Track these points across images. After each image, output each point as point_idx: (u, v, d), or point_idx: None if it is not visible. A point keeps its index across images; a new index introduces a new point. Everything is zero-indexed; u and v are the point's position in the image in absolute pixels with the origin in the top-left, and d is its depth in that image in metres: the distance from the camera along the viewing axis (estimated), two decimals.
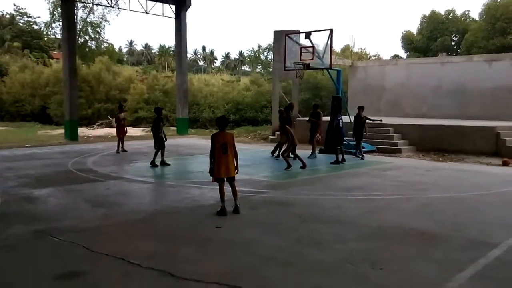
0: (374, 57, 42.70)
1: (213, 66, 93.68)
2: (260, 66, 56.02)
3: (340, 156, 12.75)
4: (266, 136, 21.12)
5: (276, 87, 21.61)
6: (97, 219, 6.66)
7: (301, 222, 6.43)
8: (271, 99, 23.25)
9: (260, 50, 59.84)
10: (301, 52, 15.85)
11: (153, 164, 11.65)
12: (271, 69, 32.02)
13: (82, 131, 21.88)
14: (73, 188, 8.95)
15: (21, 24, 56.36)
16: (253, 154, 15.32)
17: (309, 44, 15.76)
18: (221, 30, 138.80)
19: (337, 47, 41.87)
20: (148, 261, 4.71)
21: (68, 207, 7.45)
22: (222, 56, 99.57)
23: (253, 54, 67.99)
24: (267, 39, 71.32)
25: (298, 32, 17.40)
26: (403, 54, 50.94)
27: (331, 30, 14.93)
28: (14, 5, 79.53)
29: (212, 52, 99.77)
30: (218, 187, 7.00)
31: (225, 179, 6.92)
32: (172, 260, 4.82)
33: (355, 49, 38.92)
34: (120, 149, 14.98)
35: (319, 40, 17.51)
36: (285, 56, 16.53)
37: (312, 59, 15.58)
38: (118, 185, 9.28)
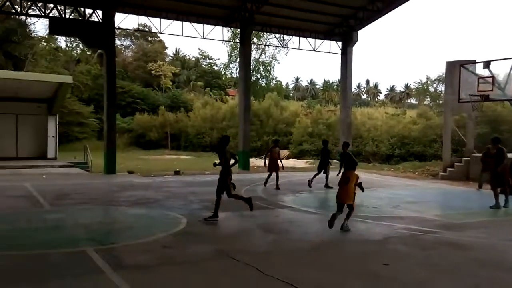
0: None
1: (376, 100, 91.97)
2: (429, 99, 52.98)
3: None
4: (436, 173, 19.71)
5: (448, 120, 20.16)
6: (268, 244, 7.10)
7: (479, 268, 5.83)
8: (442, 133, 21.74)
9: (428, 82, 56.74)
10: (478, 82, 14.69)
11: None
12: (441, 102, 30.11)
13: (252, 161, 23.60)
14: (247, 213, 9.67)
15: (204, 66, 64.31)
16: (422, 191, 14.47)
17: (487, 74, 14.51)
18: (386, 63, 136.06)
19: None
20: None
21: (243, 231, 8.10)
22: (387, 89, 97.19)
23: (420, 86, 64.79)
24: (437, 70, 67.32)
25: (474, 62, 16.21)
26: None
27: None
28: (199, 49, 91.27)
29: (376, 86, 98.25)
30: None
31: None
32: None
33: None
34: (276, 185, 13.94)
35: (499, 70, 15.98)
36: (459, 88, 15.49)
37: (492, 90, 14.30)
38: (286, 214, 9.74)
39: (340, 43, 24.96)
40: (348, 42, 24.53)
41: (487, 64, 14.24)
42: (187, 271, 5.61)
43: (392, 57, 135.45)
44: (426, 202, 12.02)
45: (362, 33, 29.11)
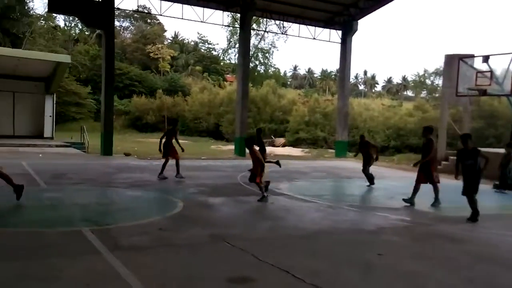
0: None
1: (373, 91, 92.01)
2: (425, 91, 53.06)
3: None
4: None
5: (444, 114, 20.20)
6: (263, 230, 7.16)
7: (474, 262, 5.91)
8: (437, 126, 21.83)
9: (426, 75, 56.70)
10: (476, 76, 14.72)
11: None
12: (437, 95, 30.15)
13: None
14: (242, 199, 9.76)
15: (202, 50, 63.89)
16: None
17: (486, 68, 14.54)
18: (384, 54, 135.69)
19: None
20: (311, 277, 4.86)
21: (238, 216, 8.17)
22: (384, 80, 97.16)
23: (418, 78, 64.76)
24: (435, 63, 67.20)
25: (473, 56, 16.22)
26: None
27: None
28: (198, 33, 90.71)
29: (373, 77, 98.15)
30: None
31: None
32: (335, 281, 4.90)
33: None
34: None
35: (498, 65, 16.02)
36: (457, 81, 15.51)
37: (490, 84, 14.34)
38: (281, 201, 9.80)
39: (340, 32, 24.84)
40: (348, 31, 24.42)
41: (486, 59, 14.25)
42: (182, 254, 5.65)
43: (391, 48, 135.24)
44: (420, 195, 12.05)
45: (362, 23, 29.06)
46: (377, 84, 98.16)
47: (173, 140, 12.21)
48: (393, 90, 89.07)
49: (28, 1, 40.62)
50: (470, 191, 8.10)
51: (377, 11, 24.12)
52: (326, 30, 25.22)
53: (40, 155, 17.22)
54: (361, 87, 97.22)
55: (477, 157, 8.07)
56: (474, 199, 8.11)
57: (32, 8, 46.55)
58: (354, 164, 19.86)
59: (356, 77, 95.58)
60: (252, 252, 5.68)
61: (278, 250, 6.02)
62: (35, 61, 22.43)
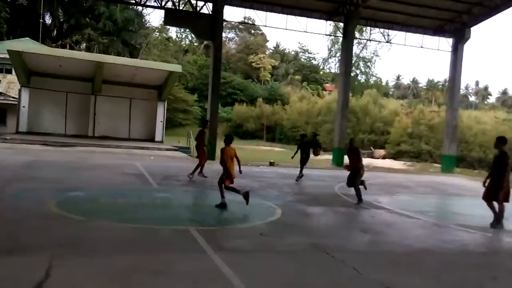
0: None
1: (486, 103, 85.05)
2: None
3: None
4: None
5: None
6: (364, 244, 7.00)
7: None
8: None
9: None
10: None
11: None
12: None
13: (346, 158, 23.17)
14: (341, 210, 9.65)
15: (302, 60, 64.41)
16: None
17: None
18: (499, 63, 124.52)
19: None
20: None
21: (337, 227, 8.10)
22: (498, 92, 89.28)
23: None
24: None
25: None
26: None
27: None
28: (299, 43, 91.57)
29: (486, 88, 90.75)
30: None
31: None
32: None
33: None
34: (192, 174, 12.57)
35: None
36: None
37: None
38: (383, 215, 9.50)
39: (450, 40, 23.46)
40: (460, 39, 22.97)
41: None
42: (284, 261, 5.72)
43: (506, 57, 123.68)
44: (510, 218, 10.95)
45: (475, 29, 27.09)
46: (490, 95, 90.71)
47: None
48: (509, 102, 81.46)
49: (145, 14, 44.42)
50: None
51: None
52: (435, 38, 23.98)
53: (152, 157, 18.64)
54: (472, 98, 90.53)
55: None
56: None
57: (149, 20, 50.76)
58: (462, 180, 18.58)
59: (466, 87, 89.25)
60: (353, 265, 5.59)
61: (379, 265, 5.85)
62: (150, 70, 24.41)
